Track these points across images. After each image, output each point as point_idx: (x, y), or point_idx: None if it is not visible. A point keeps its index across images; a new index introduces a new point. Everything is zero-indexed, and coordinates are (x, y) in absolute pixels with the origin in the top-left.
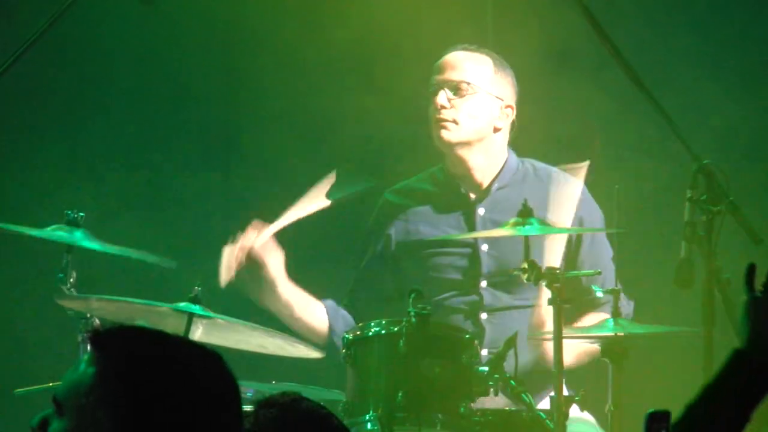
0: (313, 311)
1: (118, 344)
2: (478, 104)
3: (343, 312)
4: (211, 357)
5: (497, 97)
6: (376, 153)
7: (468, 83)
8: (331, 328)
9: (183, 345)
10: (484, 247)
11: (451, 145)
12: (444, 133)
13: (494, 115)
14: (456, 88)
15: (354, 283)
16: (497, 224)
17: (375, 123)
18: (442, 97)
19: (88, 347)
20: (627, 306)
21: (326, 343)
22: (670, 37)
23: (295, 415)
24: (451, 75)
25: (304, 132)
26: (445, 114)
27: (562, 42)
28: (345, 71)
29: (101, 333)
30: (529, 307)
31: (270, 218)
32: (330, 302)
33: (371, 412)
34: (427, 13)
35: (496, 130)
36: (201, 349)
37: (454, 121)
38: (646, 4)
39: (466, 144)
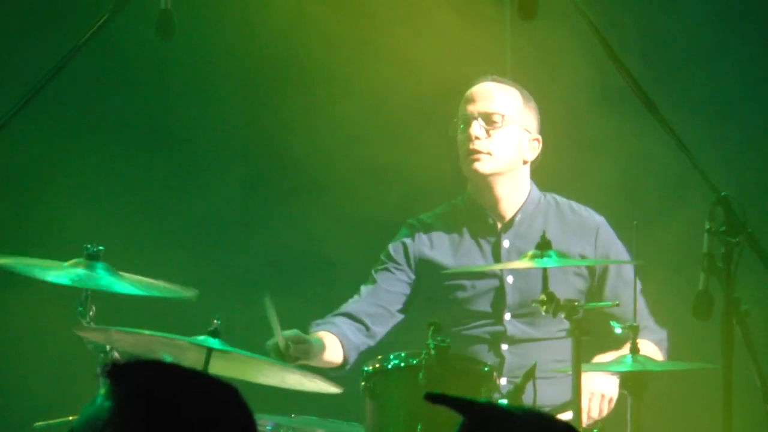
0: (330, 352)
1: (135, 378)
2: (510, 136)
3: (354, 336)
4: (228, 391)
5: (526, 129)
6: (394, 187)
7: (501, 115)
8: (345, 359)
9: (200, 379)
10: (510, 279)
11: (484, 176)
12: (478, 165)
13: (524, 147)
14: (489, 120)
15: (367, 293)
16: (522, 255)
17: (392, 158)
18: (477, 128)
19: (106, 381)
20: (660, 332)
21: (340, 371)
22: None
23: None
24: (484, 106)
25: (319, 169)
26: (479, 145)
27: (582, 76)
28: (363, 109)
29: (118, 366)
30: (551, 339)
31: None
32: (341, 330)
33: None
34: (446, 48)
35: (524, 162)
36: (218, 383)
37: (489, 153)
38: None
39: (498, 174)
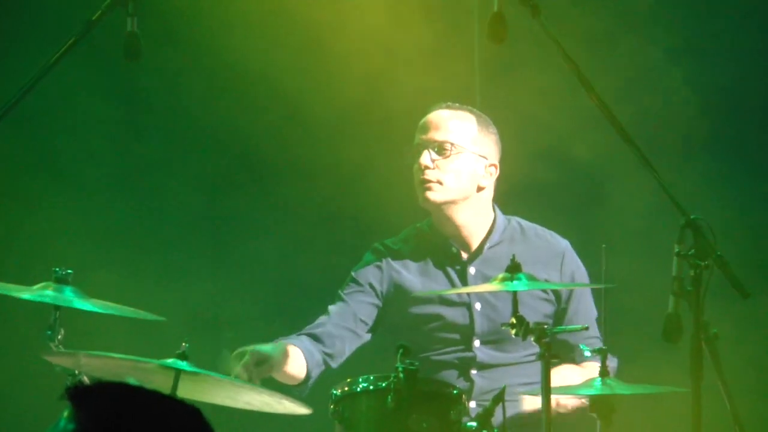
0: (293, 364)
1: (97, 401)
2: (461, 164)
3: (317, 354)
4: (191, 414)
5: (481, 156)
6: (360, 207)
7: (452, 143)
8: (308, 373)
9: (163, 401)
10: (477, 306)
11: (437, 205)
12: (429, 194)
13: (479, 174)
14: (440, 148)
15: (332, 308)
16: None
17: (359, 177)
18: (426, 157)
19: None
20: (611, 361)
21: (302, 387)
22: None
23: None
24: (434, 135)
25: (292, 179)
26: (429, 175)
27: (550, 93)
28: (331, 126)
29: (81, 389)
30: (519, 363)
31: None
32: (305, 345)
33: None
34: (413, 70)
35: (479, 189)
36: (181, 405)
37: (439, 182)
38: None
39: (452, 203)
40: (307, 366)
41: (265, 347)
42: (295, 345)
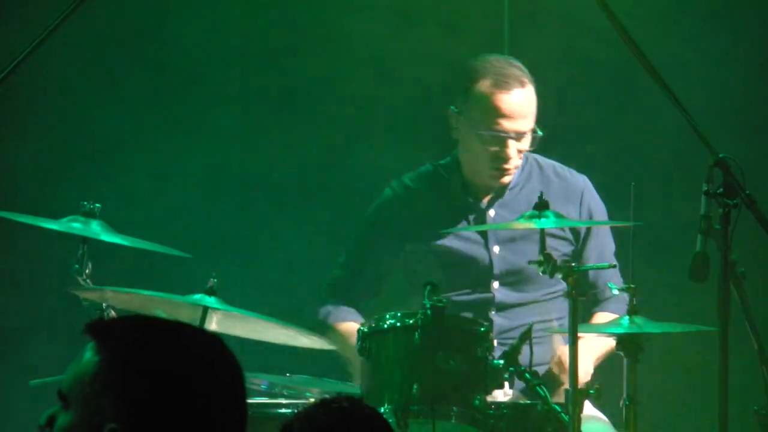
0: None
1: (119, 331)
2: (529, 143)
3: (358, 313)
4: (211, 340)
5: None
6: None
7: (533, 130)
8: None
9: (184, 331)
10: (496, 249)
11: (500, 184)
12: (505, 179)
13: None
14: (521, 138)
15: (350, 260)
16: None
17: (389, 113)
18: (513, 149)
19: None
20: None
21: None
22: (690, 31)
23: (357, 420)
24: (521, 125)
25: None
26: (512, 164)
27: (581, 41)
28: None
29: (102, 323)
30: (539, 302)
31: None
32: (354, 314)
33: (386, 404)
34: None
35: None
36: (203, 334)
37: (515, 167)
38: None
39: None
40: None
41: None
42: (355, 321)
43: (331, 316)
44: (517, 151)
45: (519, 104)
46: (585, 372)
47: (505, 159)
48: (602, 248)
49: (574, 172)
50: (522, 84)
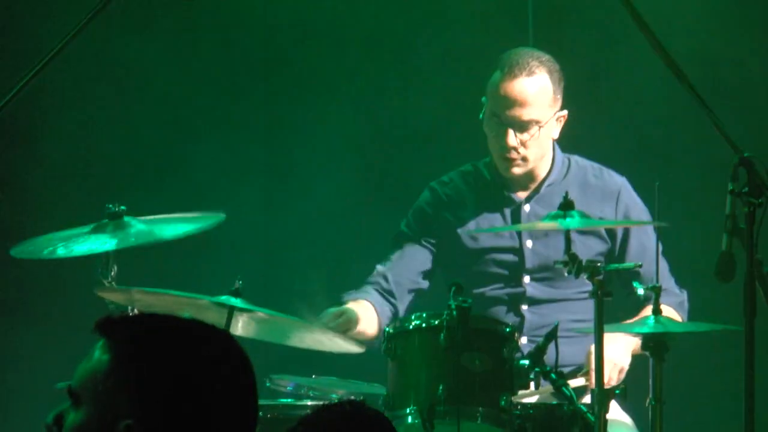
0: (366, 322)
1: (128, 328)
2: (544, 135)
3: (387, 307)
4: (222, 335)
5: (557, 113)
6: (420, 141)
7: (537, 121)
8: (380, 328)
9: (193, 324)
10: (529, 244)
11: (519, 176)
12: (514, 170)
13: (555, 130)
14: (525, 128)
15: (389, 257)
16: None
17: (418, 115)
18: (512, 138)
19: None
20: (680, 295)
21: (373, 342)
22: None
23: (359, 422)
24: (520, 113)
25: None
26: (515, 154)
27: (605, 36)
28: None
29: (112, 320)
30: (571, 299)
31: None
32: (375, 297)
33: (412, 405)
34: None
35: (553, 140)
36: (211, 327)
37: (524, 158)
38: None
39: (532, 167)
40: (379, 321)
41: (343, 307)
42: (367, 300)
43: (347, 295)
44: (520, 142)
45: (520, 92)
46: (620, 366)
47: (506, 147)
48: (643, 249)
49: (612, 172)
50: (530, 73)
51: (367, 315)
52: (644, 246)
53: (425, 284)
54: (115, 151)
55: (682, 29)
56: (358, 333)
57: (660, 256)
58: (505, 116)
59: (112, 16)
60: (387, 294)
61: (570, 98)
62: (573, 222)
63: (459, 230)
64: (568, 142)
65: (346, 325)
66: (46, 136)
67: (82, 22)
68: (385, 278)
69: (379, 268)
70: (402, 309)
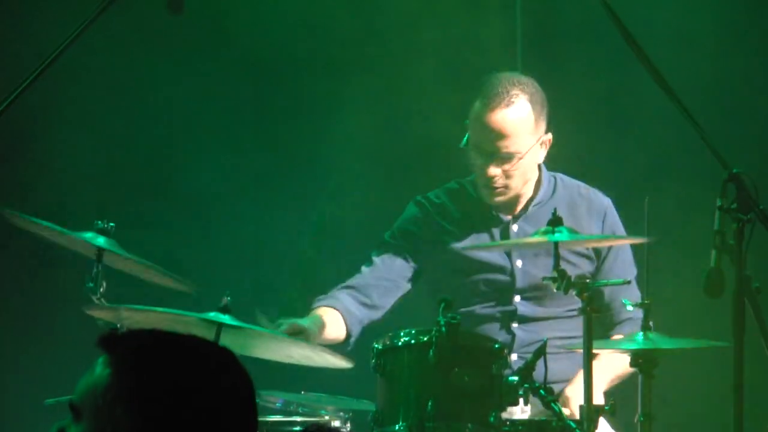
0: (331, 329)
1: (130, 344)
2: (526, 164)
3: (357, 310)
4: (222, 351)
5: (539, 139)
6: (407, 156)
7: (518, 153)
8: (348, 333)
9: (194, 341)
10: (519, 263)
11: (503, 202)
12: (497, 198)
13: (539, 155)
14: (505, 159)
15: (369, 264)
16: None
17: (404, 130)
18: (493, 168)
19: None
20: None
21: (345, 346)
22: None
23: None
24: (499, 144)
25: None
26: (497, 182)
27: (594, 56)
28: (378, 80)
29: (113, 335)
30: (560, 317)
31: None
32: (343, 305)
33: (401, 421)
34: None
35: (537, 165)
36: (212, 344)
37: (506, 187)
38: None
39: (516, 193)
40: (347, 326)
41: (302, 321)
42: (333, 307)
43: (318, 300)
44: (502, 171)
45: (499, 124)
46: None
47: (487, 177)
48: (622, 269)
49: (598, 192)
50: (509, 103)
51: (333, 320)
52: (624, 266)
53: (405, 288)
54: (109, 163)
55: (688, 44)
56: (324, 339)
57: (633, 279)
58: (486, 148)
59: (109, 26)
60: (359, 296)
61: (558, 117)
62: (562, 236)
63: (449, 247)
64: (554, 160)
65: (296, 330)
66: (44, 143)
67: (77, 31)
68: (361, 282)
69: (359, 272)
70: (377, 312)
